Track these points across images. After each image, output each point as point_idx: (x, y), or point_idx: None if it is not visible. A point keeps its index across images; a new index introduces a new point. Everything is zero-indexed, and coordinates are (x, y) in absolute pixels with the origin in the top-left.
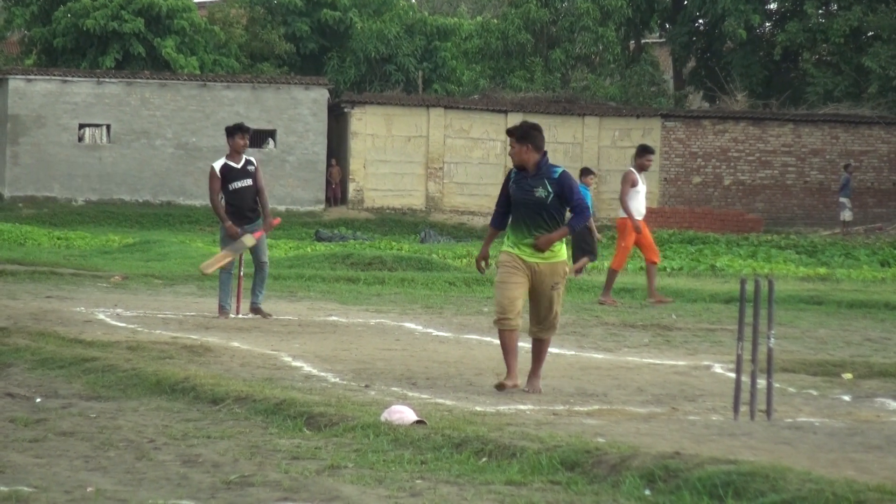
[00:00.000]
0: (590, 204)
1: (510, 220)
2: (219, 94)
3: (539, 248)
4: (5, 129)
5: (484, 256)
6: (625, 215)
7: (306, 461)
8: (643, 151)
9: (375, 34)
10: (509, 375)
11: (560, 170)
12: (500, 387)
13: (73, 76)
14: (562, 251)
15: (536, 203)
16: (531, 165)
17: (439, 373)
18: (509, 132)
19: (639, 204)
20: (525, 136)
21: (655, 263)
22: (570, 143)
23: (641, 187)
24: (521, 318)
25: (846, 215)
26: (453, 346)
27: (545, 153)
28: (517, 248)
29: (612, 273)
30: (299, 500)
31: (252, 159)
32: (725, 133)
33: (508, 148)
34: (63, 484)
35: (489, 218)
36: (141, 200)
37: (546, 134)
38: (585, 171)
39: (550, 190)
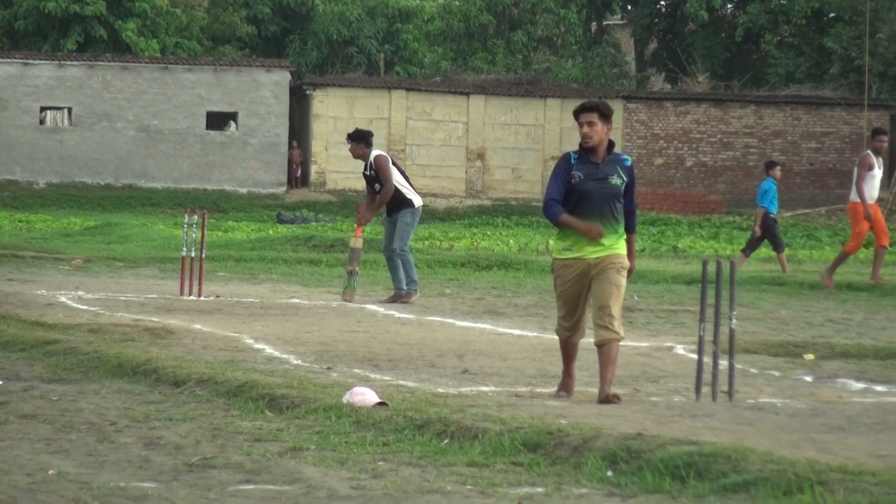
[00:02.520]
0: (776, 197)
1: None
2: (180, 76)
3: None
4: None
5: (596, 226)
6: (857, 199)
7: (268, 443)
8: (875, 133)
9: (337, 16)
10: (566, 383)
11: (629, 158)
12: (560, 394)
13: (34, 59)
14: (621, 244)
15: (612, 192)
16: (604, 149)
17: (401, 355)
18: (593, 108)
19: (872, 189)
20: (609, 113)
21: (885, 248)
22: (532, 125)
23: (878, 171)
24: (585, 327)
25: None
26: (415, 328)
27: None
28: (576, 251)
29: (843, 255)
30: (261, 482)
31: (372, 161)
32: (687, 115)
33: (585, 129)
34: (24, 466)
35: (451, 200)
36: (102, 183)
37: (508, 116)
38: (771, 164)
39: (624, 178)
